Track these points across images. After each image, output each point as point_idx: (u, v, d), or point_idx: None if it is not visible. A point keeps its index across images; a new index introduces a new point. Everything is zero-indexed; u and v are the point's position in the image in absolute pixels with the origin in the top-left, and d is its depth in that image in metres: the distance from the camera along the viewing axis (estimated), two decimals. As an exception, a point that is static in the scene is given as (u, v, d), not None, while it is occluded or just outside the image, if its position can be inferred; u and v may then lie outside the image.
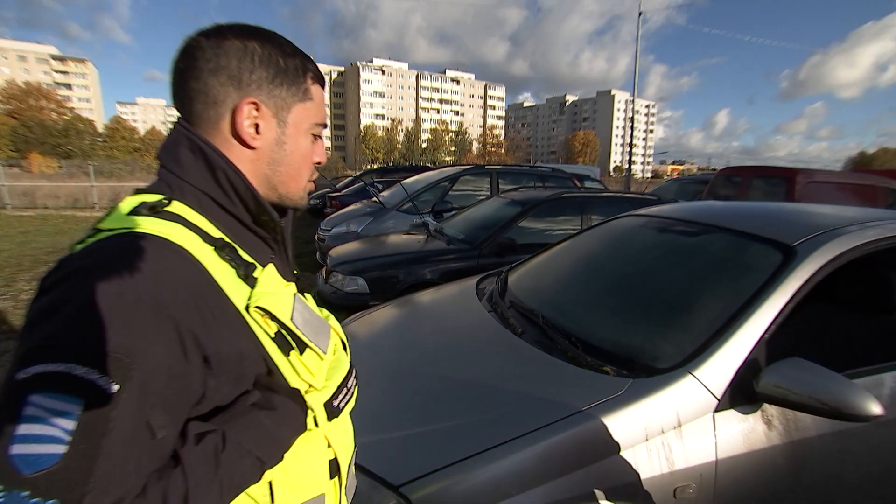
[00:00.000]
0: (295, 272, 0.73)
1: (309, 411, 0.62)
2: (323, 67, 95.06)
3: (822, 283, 1.45)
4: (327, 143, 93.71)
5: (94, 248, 0.52)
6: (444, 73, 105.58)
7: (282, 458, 0.58)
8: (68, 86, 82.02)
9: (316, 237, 6.18)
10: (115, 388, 0.44)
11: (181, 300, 0.51)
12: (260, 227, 0.64)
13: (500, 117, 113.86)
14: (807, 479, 1.33)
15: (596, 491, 1.12)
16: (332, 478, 0.67)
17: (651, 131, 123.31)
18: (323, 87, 0.70)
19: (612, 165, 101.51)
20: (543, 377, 1.40)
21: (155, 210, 0.56)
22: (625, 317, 1.71)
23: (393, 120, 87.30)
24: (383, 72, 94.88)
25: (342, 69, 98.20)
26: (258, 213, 0.63)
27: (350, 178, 13.67)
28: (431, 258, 3.82)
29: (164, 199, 0.58)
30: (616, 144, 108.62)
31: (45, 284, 0.50)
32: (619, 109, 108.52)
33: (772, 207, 2.11)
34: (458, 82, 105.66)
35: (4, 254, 7.25)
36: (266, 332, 0.58)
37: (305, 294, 0.73)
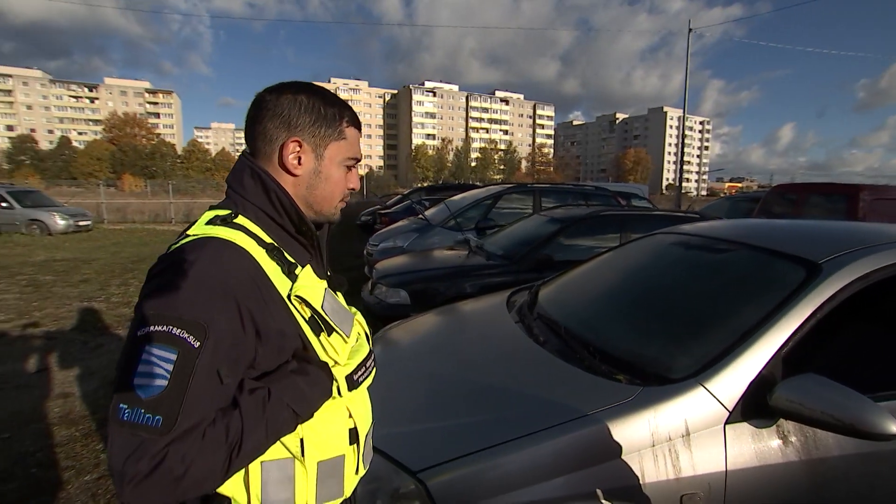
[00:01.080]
0: (328, 273, 0.91)
1: (334, 382, 0.78)
2: (376, 91, 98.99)
3: (860, 301, 1.42)
4: (380, 162, 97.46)
5: (185, 248, 0.70)
6: (494, 93, 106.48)
7: (311, 415, 0.74)
8: (157, 114, 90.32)
9: (365, 251, 6.46)
10: (197, 344, 0.63)
11: (242, 286, 0.68)
12: (301, 235, 0.82)
13: (549, 136, 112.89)
14: (829, 498, 1.30)
15: (600, 490, 1.17)
16: (351, 444, 0.82)
17: (706, 148, 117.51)
18: (358, 129, 0.87)
19: (664, 183, 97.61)
20: (559, 383, 1.46)
21: (225, 221, 0.74)
22: (643, 329, 1.74)
23: (443, 139, 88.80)
24: (434, 93, 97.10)
25: (395, 91, 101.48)
26: (300, 224, 0.81)
27: (399, 196, 14.08)
28: (471, 273, 3.92)
29: (232, 213, 0.76)
30: (669, 162, 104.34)
31: (152, 273, 0.69)
32: (671, 126, 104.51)
33: (805, 225, 2.06)
34: (507, 102, 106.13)
35: (100, 262, 8.11)
36: (302, 316, 0.76)
37: (337, 292, 0.91)
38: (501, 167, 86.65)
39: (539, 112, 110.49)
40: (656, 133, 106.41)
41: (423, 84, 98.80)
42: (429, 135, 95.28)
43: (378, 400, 1.55)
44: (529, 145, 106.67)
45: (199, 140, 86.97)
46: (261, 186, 0.78)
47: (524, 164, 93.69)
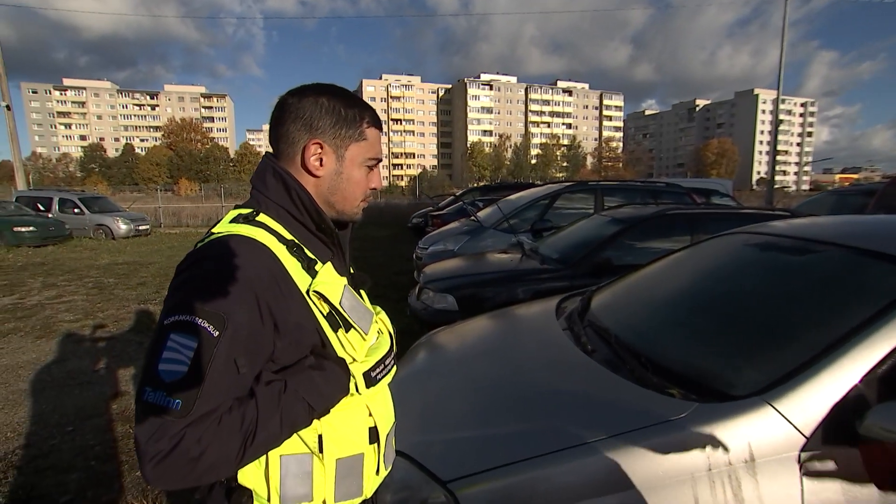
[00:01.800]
0: (351, 271, 0.99)
1: (352, 378, 0.83)
2: (430, 86, 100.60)
3: None
4: (433, 162, 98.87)
5: (209, 245, 0.79)
6: (555, 84, 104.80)
7: (327, 410, 0.80)
8: (211, 118, 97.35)
9: (414, 255, 6.60)
10: (216, 333, 0.70)
11: (262, 280, 0.75)
12: (322, 233, 0.89)
13: (617, 128, 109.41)
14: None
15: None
16: (371, 443, 0.87)
17: (809, 134, 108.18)
18: (379, 129, 0.93)
19: (754, 177, 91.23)
20: (605, 395, 1.44)
21: (248, 219, 0.82)
22: (703, 339, 1.66)
23: (500, 136, 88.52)
24: (491, 87, 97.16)
25: (449, 86, 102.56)
26: (319, 222, 0.88)
27: (452, 198, 14.22)
28: (523, 278, 3.90)
29: (254, 211, 0.85)
30: (760, 153, 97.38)
31: (180, 268, 0.78)
32: (764, 111, 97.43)
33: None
34: (570, 93, 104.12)
35: (156, 265, 8.87)
36: (321, 311, 0.82)
37: (360, 290, 0.99)
38: (564, 164, 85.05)
39: (606, 102, 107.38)
40: (745, 120, 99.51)
41: (478, 77, 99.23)
42: (485, 131, 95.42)
43: (415, 406, 1.63)
44: (595, 139, 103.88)
45: (251, 143, 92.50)
46: (282, 185, 0.86)
47: (590, 160, 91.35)
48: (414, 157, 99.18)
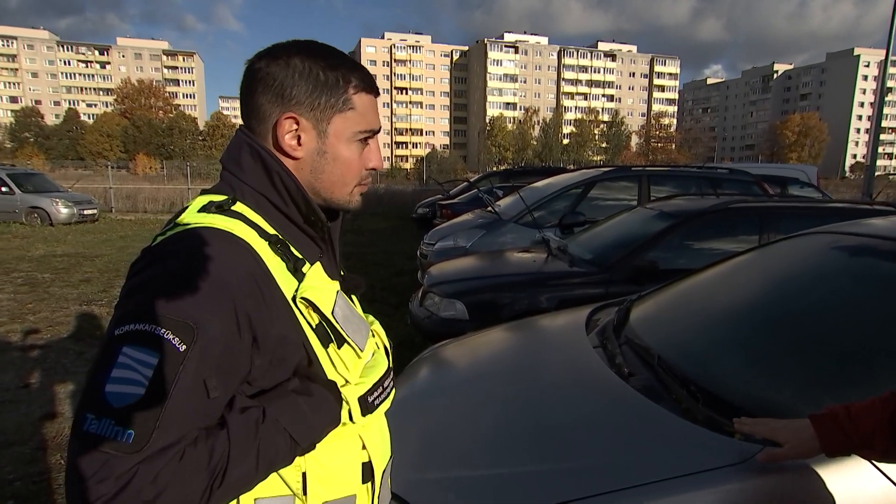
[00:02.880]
0: (342, 272, 0.97)
1: (344, 404, 0.82)
2: (442, 48, 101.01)
3: None
4: (445, 140, 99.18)
5: (173, 239, 0.76)
6: (596, 46, 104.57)
7: (313, 445, 0.79)
8: (176, 81, 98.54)
9: (419, 252, 6.61)
10: (183, 348, 0.67)
11: (240, 284, 0.73)
12: (310, 226, 0.88)
13: (670, 101, 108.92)
14: None
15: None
16: (364, 482, 0.86)
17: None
18: (373, 93, 0.90)
19: (848, 162, 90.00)
20: (644, 431, 1.43)
21: (221, 208, 0.80)
22: (772, 364, 1.64)
23: (527, 110, 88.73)
24: (516, 49, 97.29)
25: (465, 48, 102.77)
26: (308, 214, 0.86)
27: (466, 184, 14.24)
28: (548, 282, 3.91)
29: (229, 199, 0.82)
30: (857, 130, 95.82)
31: (136, 267, 0.75)
32: (866, 77, 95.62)
33: None
34: (613, 58, 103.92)
35: (105, 259, 8.98)
36: (309, 323, 0.80)
37: (352, 296, 0.97)
38: (603, 145, 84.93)
39: (658, 69, 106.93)
40: (839, 89, 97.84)
41: (501, 37, 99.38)
42: (508, 104, 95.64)
43: (413, 436, 1.63)
44: (643, 115, 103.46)
45: (224, 112, 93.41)
46: (262, 167, 0.84)
47: (635, 139, 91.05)
48: (421, 133, 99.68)
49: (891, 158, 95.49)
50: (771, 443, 1.24)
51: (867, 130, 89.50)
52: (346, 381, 0.83)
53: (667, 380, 1.61)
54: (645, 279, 3.46)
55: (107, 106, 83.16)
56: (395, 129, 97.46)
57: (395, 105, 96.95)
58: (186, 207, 0.83)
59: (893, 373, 1.47)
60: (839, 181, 46.28)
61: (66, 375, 4.06)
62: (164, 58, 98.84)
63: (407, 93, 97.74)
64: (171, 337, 0.67)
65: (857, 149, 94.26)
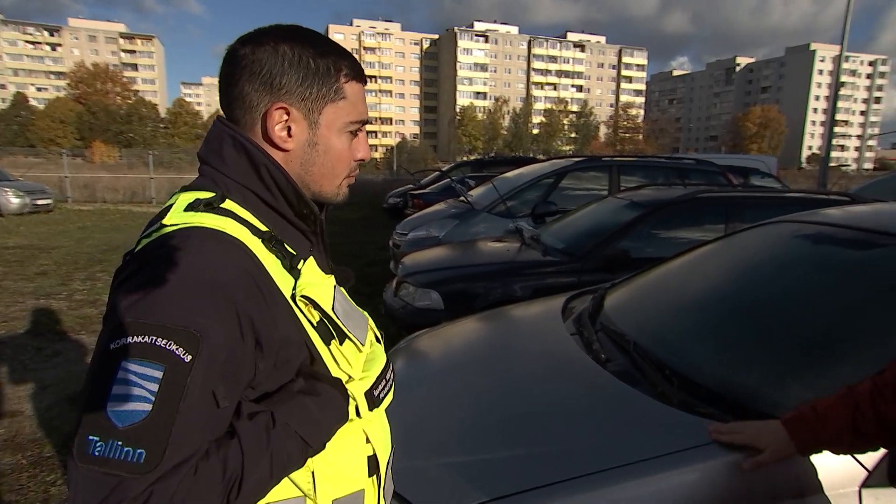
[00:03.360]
0: (332, 266, 0.94)
1: (351, 400, 0.81)
2: (411, 36, 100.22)
3: None
4: (415, 129, 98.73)
5: (163, 241, 0.72)
6: (565, 36, 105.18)
7: (324, 445, 0.77)
8: (134, 66, 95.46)
9: (391, 242, 6.60)
10: (188, 358, 0.64)
11: (240, 286, 0.71)
12: (301, 220, 0.85)
13: (638, 92, 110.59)
14: None
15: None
16: (370, 475, 0.86)
17: (878, 100, 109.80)
18: (362, 82, 0.88)
19: (805, 153, 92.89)
20: (622, 414, 1.49)
21: (211, 206, 0.76)
22: (742, 349, 1.71)
23: (497, 99, 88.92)
24: (486, 38, 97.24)
25: (435, 37, 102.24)
26: (299, 207, 0.84)
27: (437, 174, 14.25)
28: (522, 271, 3.96)
29: (217, 195, 0.78)
30: (813, 123, 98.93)
31: (124, 274, 0.71)
32: (821, 72, 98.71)
33: None
34: (582, 48, 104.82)
35: (62, 251, 8.68)
36: (310, 321, 0.78)
37: (342, 288, 0.94)
38: (573, 135, 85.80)
39: (626, 60, 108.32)
40: (797, 83, 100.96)
41: (471, 26, 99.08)
42: (478, 93, 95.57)
43: (393, 426, 1.63)
44: (611, 105, 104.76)
45: (188, 99, 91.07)
46: (246, 160, 0.80)
47: (603, 130, 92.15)
48: (391, 122, 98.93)
49: (843, 150, 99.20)
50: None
51: (822, 123, 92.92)
52: (350, 377, 0.82)
53: (643, 365, 1.66)
54: (617, 268, 3.54)
55: (59, 90, 79.84)
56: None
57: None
58: (170, 206, 0.78)
59: (853, 355, 1.54)
60: (797, 171, 47.74)
61: (25, 373, 3.93)
62: (121, 41, 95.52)
63: (377, 81, 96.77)
64: (175, 347, 0.64)
65: (812, 140, 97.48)
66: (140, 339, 0.63)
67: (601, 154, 8.72)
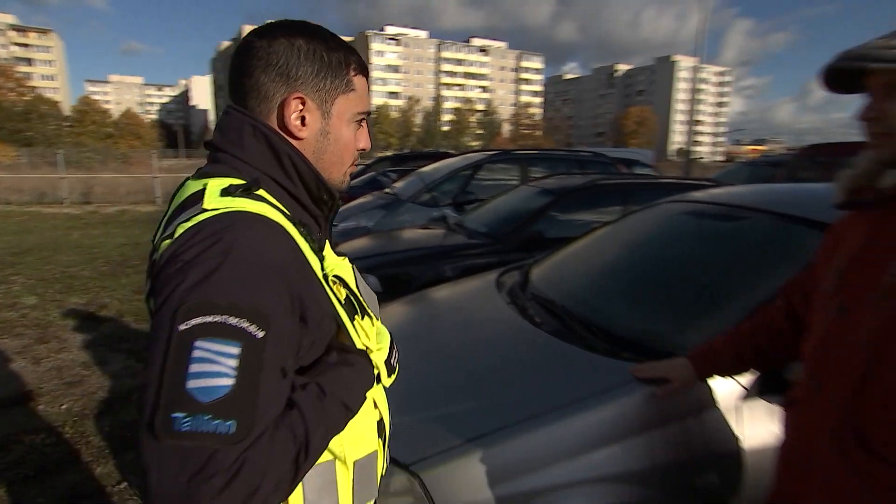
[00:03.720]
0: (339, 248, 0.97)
1: (375, 369, 0.84)
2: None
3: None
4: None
5: (214, 224, 0.68)
6: (469, 41, 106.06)
7: (360, 409, 0.79)
8: (29, 61, 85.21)
9: (321, 233, 6.47)
10: (261, 334, 0.64)
11: (291, 267, 0.71)
12: (317, 206, 0.85)
13: (536, 93, 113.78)
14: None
15: (607, 474, 1.32)
16: (379, 437, 0.89)
17: (723, 104, 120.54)
18: (367, 76, 0.88)
19: (672, 148, 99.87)
20: (558, 364, 1.62)
21: (248, 192, 0.73)
22: (648, 305, 1.92)
23: (409, 98, 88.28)
24: (398, 41, 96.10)
25: (349, 39, 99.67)
26: (318, 193, 0.83)
27: (360, 167, 14.04)
28: (451, 254, 4.03)
29: (252, 182, 0.75)
30: (678, 122, 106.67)
31: (180, 256, 0.66)
32: (682, 79, 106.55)
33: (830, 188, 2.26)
34: (486, 52, 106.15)
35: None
36: (338, 298, 0.80)
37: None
38: (479, 131, 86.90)
39: (524, 64, 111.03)
40: (664, 88, 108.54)
41: (383, 30, 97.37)
42: (391, 93, 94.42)
43: None
44: (513, 105, 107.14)
45: (95, 97, 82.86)
46: (268, 148, 0.79)
47: (506, 126, 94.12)
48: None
49: (699, 145, 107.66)
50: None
51: (683, 122, 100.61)
52: (368, 349, 0.84)
53: (572, 324, 1.82)
54: (533, 247, 3.71)
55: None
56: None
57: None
58: (200, 191, 0.74)
59: (730, 302, 1.76)
60: (666, 163, 51.25)
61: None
62: (12, 33, 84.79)
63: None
64: (247, 325, 0.63)
65: (678, 137, 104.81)
66: (212, 318, 0.62)
67: (512, 148, 9.00)
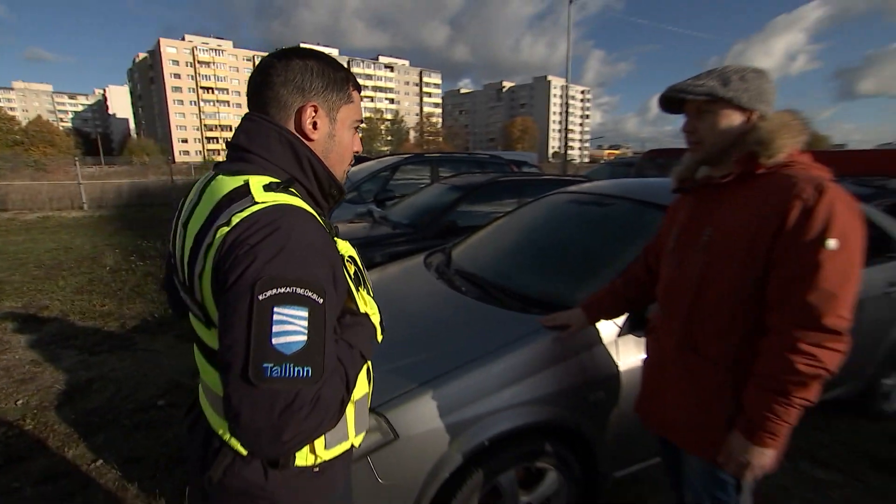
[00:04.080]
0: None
1: (374, 328, 0.92)
2: (244, 53, 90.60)
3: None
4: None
5: (269, 216, 0.72)
6: (377, 59, 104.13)
7: (370, 358, 0.88)
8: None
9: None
10: (321, 300, 0.71)
11: (328, 249, 0.77)
12: (325, 200, 0.90)
13: (437, 104, 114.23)
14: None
15: (529, 399, 1.50)
16: (368, 382, 0.98)
17: (587, 116, 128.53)
18: (360, 92, 0.94)
19: (550, 151, 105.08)
20: (484, 321, 1.77)
21: (286, 188, 0.79)
22: (547, 272, 2.13)
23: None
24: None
25: (265, 54, 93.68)
26: (329, 189, 0.89)
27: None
28: (378, 242, 4.06)
29: (287, 180, 0.80)
30: (554, 130, 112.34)
31: (247, 240, 0.70)
32: (555, 95, 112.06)
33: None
34: (391, 69, 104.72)
35: None
36: (349, 273, 0.87)
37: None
38: (389, 138, 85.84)
39: (426, 80, 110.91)
40: (541, 102, 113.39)
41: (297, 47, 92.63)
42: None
43: None
44: (417, 115, 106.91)
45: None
46: (291, 152, 0.84)
47: (412, 134, 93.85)
48: (230, 129, 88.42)
49: (572, 149, 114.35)
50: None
51: (558, 130, 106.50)
52: (367, 313, 0.91)
53: (491, 290, 1.98)
54: (448, 234, 3.84)
55: None
56: (206, 125, 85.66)
57: (202, 104, 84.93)
58: (243, 186, 0.77)
59: (606, 265, 1.98)
60: (547, 163, 54.07)
61: None
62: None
63: (213, 92, 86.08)
64: (311, 294, 0.70)
65: (554, 142, 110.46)
66: (286, 289, 0.68)
67: (423, 152, 9.10)
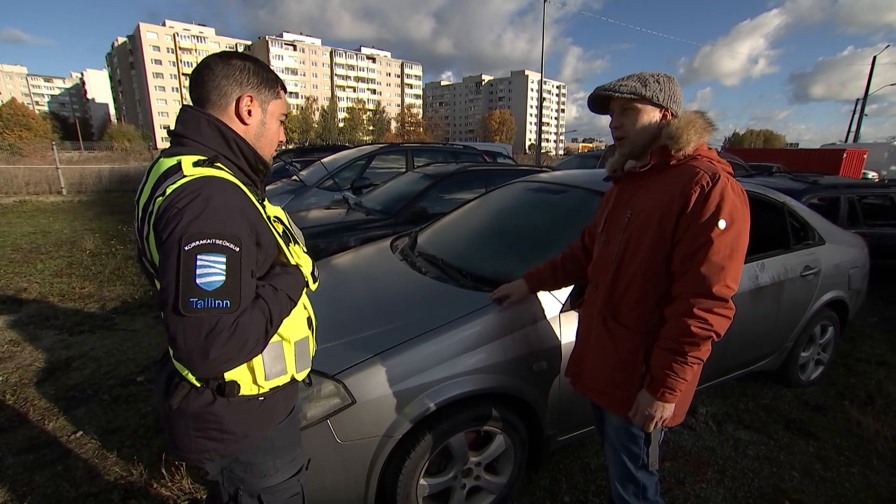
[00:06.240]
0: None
1: (304, 277, 1.04)
2: (226, 41, 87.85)
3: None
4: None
5: (196, 184, 0.84)
6: (359, 50, 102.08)
7: (297, 302, 1.00)
8: None
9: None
10: (237, 249, 0.84)
11: (248, 208, 0.90)
12: (254, 173, 1.03)
13: (417, 96, 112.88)
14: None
15: (477, 368, 1.58)
16: (309, 328, 1.11)
17: (563, 111, 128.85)
18: (286, 92, 1.08)
19: (527, 143, 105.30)
20: (440, 298, 1.85)
21: (212, 163, 0.90)
22: (501, 254, 2.21)
23: (307, 98, 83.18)
24: (295, 47, 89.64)
25: (249, 43, 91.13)
26: (256, 164, 1.02)
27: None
28: (353, 228, 4.09)
29: (213, 157, 0.92)
30: (530, 123, 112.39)
31: (175, 204, 0.82)
32: (532, 89, 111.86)
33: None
34: (374, 60, 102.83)
35: None
36: (276, 232, 0.99)
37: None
38: (370, 128, 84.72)
39: (407, 71, 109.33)
40: (519, 95, 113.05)
41: (280, 36, 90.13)
42: (291, 93, 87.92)
43: None
44: (398, 105, 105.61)
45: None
46: (219, 134, 0.96)
47: (394, 124, 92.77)
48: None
49: (547, 142, 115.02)
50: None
51: (535, 123, 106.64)
52: (299, 265, 1.03)
53: (449, 271, 2.05)
54: (419, 220, 3.90)
55: None
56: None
57: (183, 90, 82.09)
58: (177, 164, 0.89)
59: (553, 246, 2.07)
60: (523, 155, 54.33)
61: None
62: None
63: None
64: (228, 244, 0.83)
65: (531, 135, 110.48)
66: (207, 241, 0.81)
67: (398, 142, 9.11)
